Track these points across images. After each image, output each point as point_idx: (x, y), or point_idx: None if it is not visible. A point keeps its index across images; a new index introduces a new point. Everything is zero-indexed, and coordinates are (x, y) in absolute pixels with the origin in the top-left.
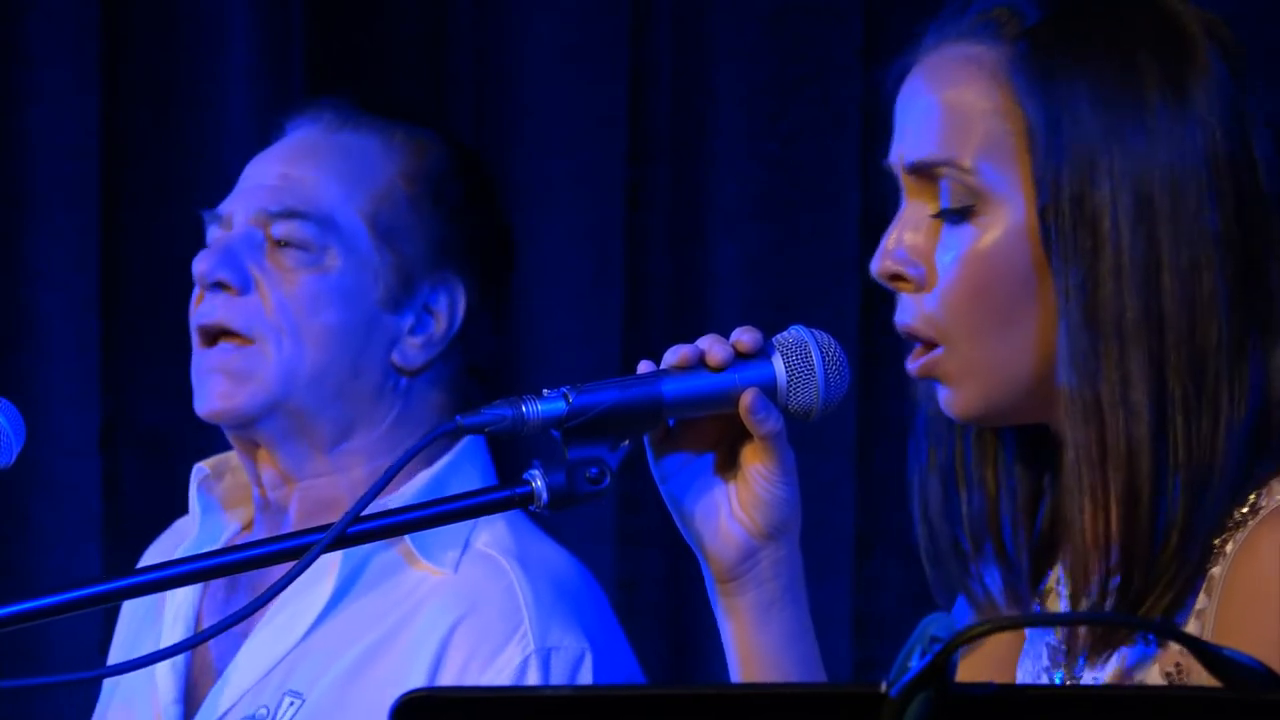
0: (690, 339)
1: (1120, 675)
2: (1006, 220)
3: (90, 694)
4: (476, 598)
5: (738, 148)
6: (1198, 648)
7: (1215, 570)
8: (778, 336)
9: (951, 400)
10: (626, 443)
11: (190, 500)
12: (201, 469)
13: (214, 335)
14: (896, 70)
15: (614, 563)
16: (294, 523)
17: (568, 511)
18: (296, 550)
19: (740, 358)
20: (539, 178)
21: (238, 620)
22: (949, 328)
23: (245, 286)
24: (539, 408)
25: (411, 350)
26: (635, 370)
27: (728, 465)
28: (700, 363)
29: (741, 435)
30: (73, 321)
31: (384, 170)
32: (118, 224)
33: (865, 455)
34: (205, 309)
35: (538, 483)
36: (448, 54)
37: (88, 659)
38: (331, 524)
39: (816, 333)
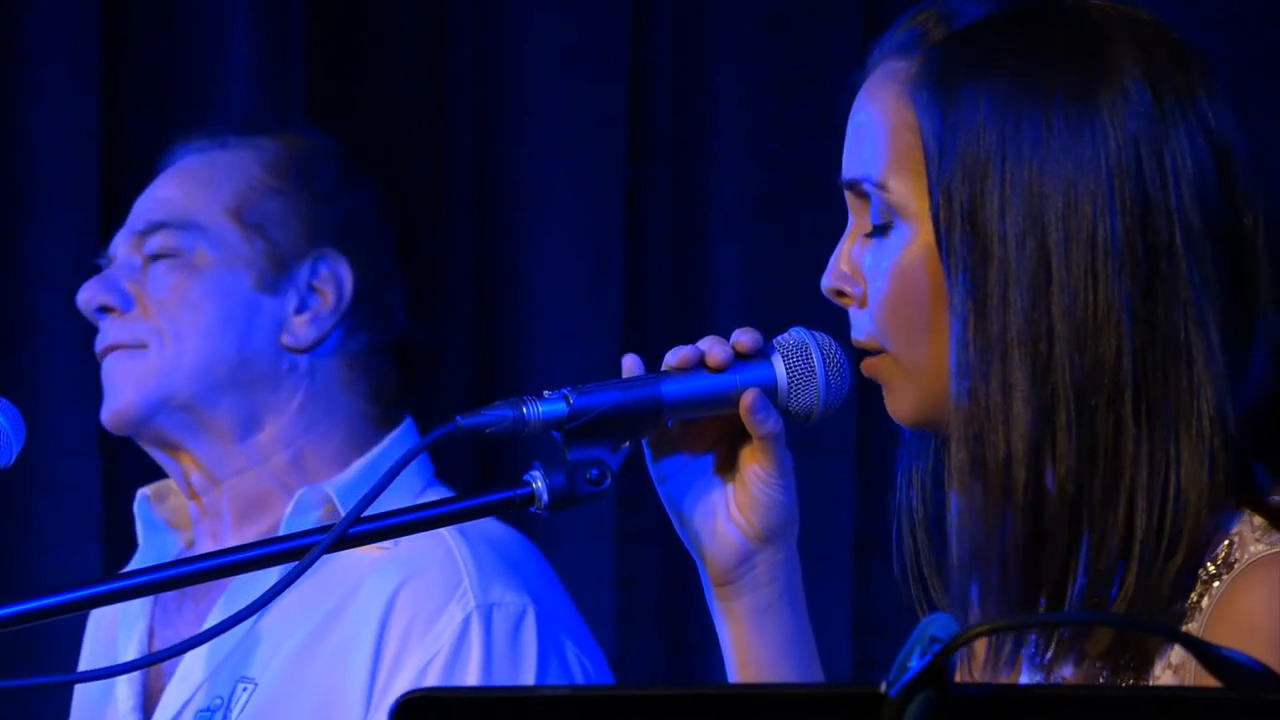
0: (690, 339)
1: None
2: (919, 235)
3: None
4: (416, 564)
5: (738, 148)
6: (1198, 648)
7: (1192, 626)
8: (778, 338)
9: (888, 403)
10: (627, 444)
11: (136, 521)
12: (143, 492)
13: (107, 354)
14: (852, 88)
15: (613, 561)
16: (231, 526)
17: (567, 511)
18: (297, 550)
19: (740, 359)
20: (539, 178)
21: (230, 626)
22: (883, 338)
23: (126, 305)
24: (540, 409)
25: (300, 329)
26: (625, 367)
27: (726, 467)
28: (700, 364)
29: (740, 437)
30: (73, 321)
31: (249, 170)
32: (118, 224)
33: (865, 456)
34: (100, 337)
35: (538, 484)
36: (448, 54)
37: None
38: (332, 525)
39: (817, 334)
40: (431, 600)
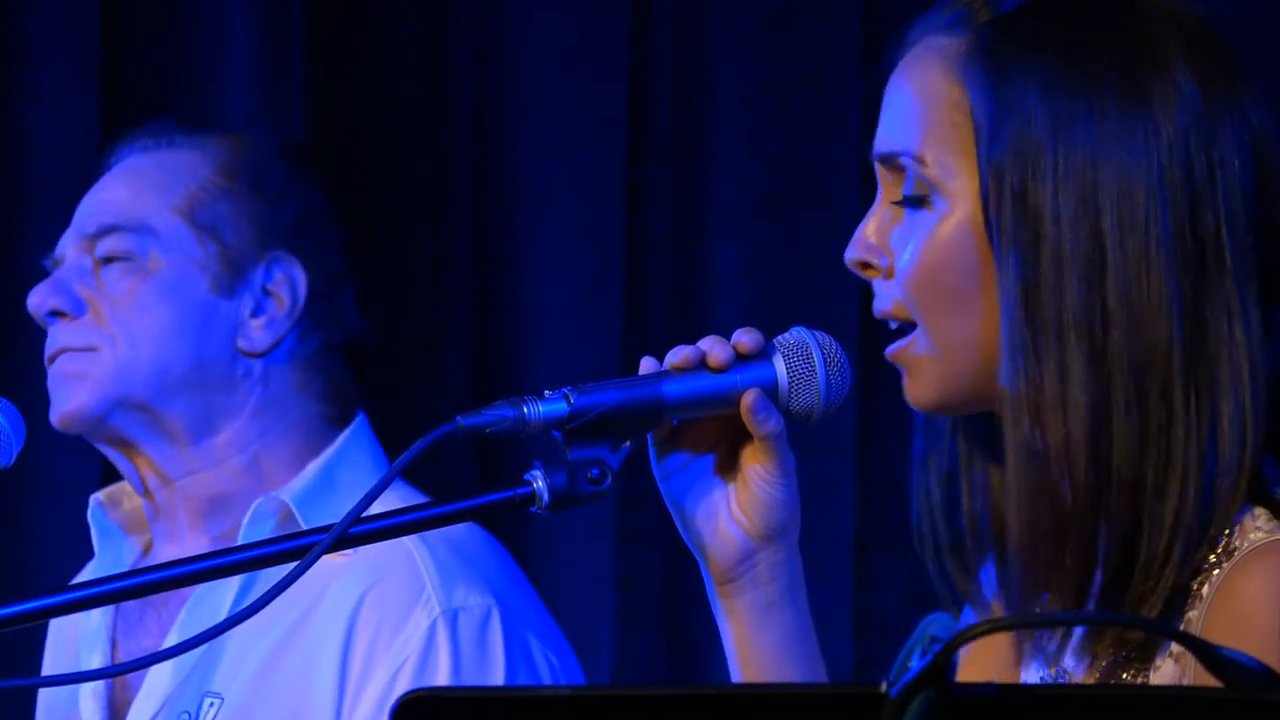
0: (690, 339)
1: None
2: (958, 211)
3: None
4: (377, 572)
5: (738, 148)
6: (1198, 648)
7: (1192, 614)
8: (779, 338)
9: (909, 387)
10: (628, 443)
11: (91, 528)
12: (96, 498)
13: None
14: (886, 66)
15: (614, 561)
16: (186, 527)
17: (568, 511)
18: (297, 550)
19: (741, 359)
20: (539, 178)
21: (219, 633)
22: (913, 309)
23: (78, 309)
24: (540, 408)
25: (255, 332)
26: (637, 368)
27: (728, 466)
28: (701, 364)
29: (742, 436)
30: None
31: (198, 171)
32: None
33: (865, 456)
34: (49, 342)
35: (539, 483)
36: (448, 54)
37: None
38: (332, 525)
39: (818, 334)
40: (396, 608)
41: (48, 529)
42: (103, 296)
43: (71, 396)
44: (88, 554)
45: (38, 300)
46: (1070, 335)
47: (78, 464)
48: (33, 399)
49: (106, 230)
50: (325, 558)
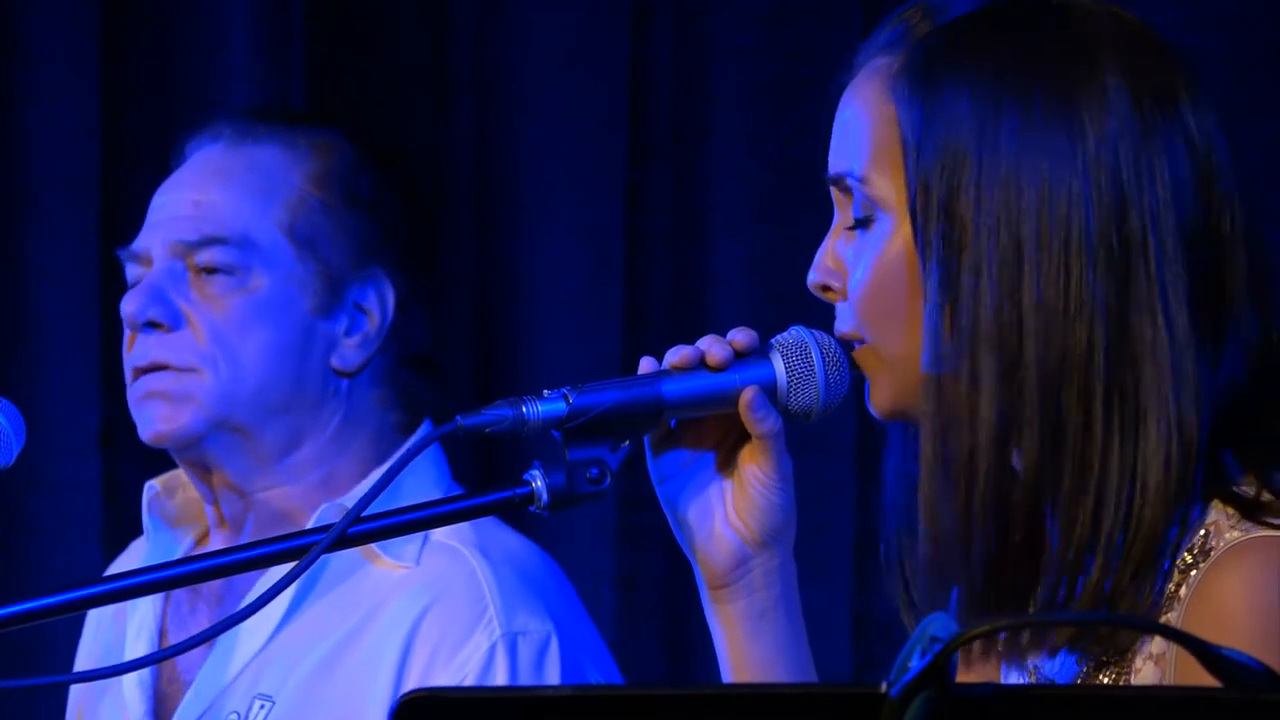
0: (690, 339)
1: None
2: (899, 227)
3: None
4: (440, 588)
5: (738, 148)
6: (1198, 648)
7: (1171, 615)
8: (777, 337)
9: (869, 396)
10: (627, 443)
11: (143, 517)
12: (152, 486)
13: (149, 371)
14: (836, 91)
15: (614, 563)
16: (253, 536)
17: (568, 511)
18: (297, 550)
19: (740, 358)
20: (539, 178)
21: (230, 625)
22: (864, 330)
23: (176, 322)
24: (539, 408)
25: (349, 351)
26: (637, 369)
27: (725, 469)
28: (701, 363)
29: (741, 439)
30: (73, 321)
31: (291, 178)
32: (118, 224)
33: (866, 456)
34: (139, 351)
35: (538, 483)
36: (448, 54)
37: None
38: (331, 526)
39: (816, 333)
40: (456, 627)
41: (48, 529)
42: (201, 311)
43: (171, 417)
44: (88, 554)
45: (134, 309)
46: (982, 345)
47: (78, 464)
48: (33, 399)
49: (208, 241)
50: (385, 569)
